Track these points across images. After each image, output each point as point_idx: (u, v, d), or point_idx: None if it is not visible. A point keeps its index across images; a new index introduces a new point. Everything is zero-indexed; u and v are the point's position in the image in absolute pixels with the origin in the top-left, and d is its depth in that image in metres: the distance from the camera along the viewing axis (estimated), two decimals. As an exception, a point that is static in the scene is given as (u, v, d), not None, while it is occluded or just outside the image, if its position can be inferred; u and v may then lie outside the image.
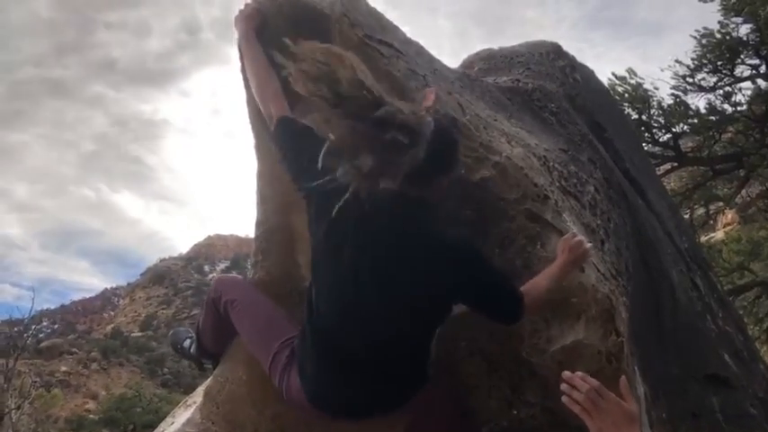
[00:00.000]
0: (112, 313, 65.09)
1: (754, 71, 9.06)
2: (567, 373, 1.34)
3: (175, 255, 76.71)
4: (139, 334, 49.89)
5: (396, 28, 2.23)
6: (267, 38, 1.97)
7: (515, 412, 1.95)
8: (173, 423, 2.42)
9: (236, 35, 2.00)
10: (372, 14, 2.12)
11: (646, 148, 8.52)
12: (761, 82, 9.12)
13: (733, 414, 2.76)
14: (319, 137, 1.76)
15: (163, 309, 59.19)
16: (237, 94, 2.12)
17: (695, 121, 9.12)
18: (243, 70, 2.01)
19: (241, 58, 2.00)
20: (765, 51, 8.75)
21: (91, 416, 28.00)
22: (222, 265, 66.79)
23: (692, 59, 9.01)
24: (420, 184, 1.53)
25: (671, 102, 9.20)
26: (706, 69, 9.04)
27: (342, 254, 1.58)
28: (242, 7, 2.01)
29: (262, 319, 1.95)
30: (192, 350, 2.29)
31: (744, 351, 3.43)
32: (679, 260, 3.32)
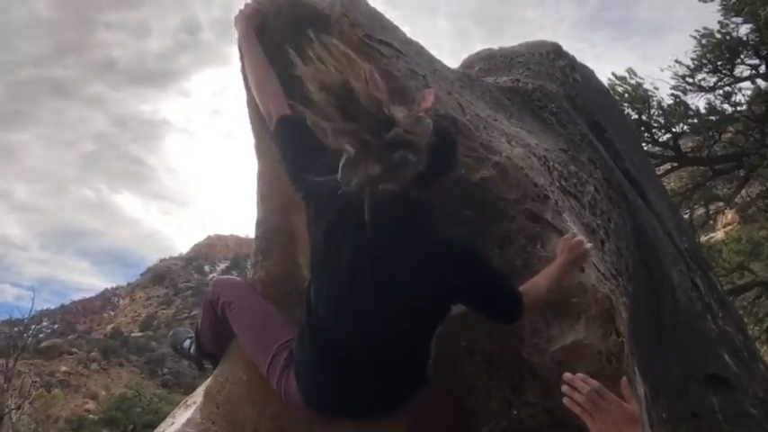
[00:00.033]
0: (112, 313, 65.06)
1: (753, 71, 9.06)
2: (567, 375, 1.34)
3: (175, 255, 76.80)
4: (139, 334, 49.88)
5: (396, 28, 2.23)
6: (267, 38, 1.97)
7: (515, 412, 1.95)
8: (173, 423, 2.42)
9: (236, 35, 2.00)
10: (372, 14, 2.12)
11: (646, 148, 8.52)
12: (761, 82, 9.14)
13: (733, 414, 2.76)
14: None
15: (163, 309, 59.19)
16: (238, 94, 2.13)
17: (695, 121, 9.12)
18: (243, 70, 2.01)
19: (241, 58, 2.00)
20: (765, 51, 8.75)
21: (91, 416, 27.99)
22: (222, 266, 66.83)
23: (692, 59, 9.02)
24: (420, 186, 1.53)
25: (671, 102, 9.21)
26: (706, 69, 9.04)
27: (341, 254, 1.58)
28: (242, 7, 2.01)
29: (259, 322, 1.95)
30: (191, 351, 2.30)
31: (744, 351, 3.43)
32: (679, 260, 3.32)
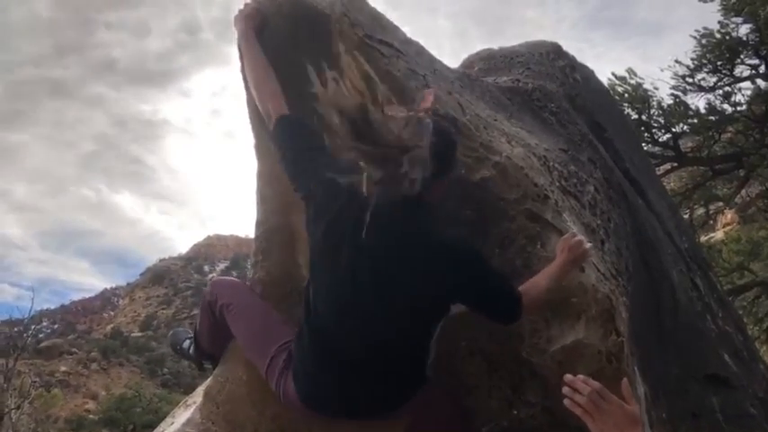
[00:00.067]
0: (112, 313, 65.04)
1: (753, 71, 9.06)
2: (569, 377, 1.34)
3: (175, 255, 76.79)
4: (139, 334, 49.88)
5: (396, 28, 2.23)
6: (267, 37, 1.97)
7: (515, 412, 1.95)
8: (172, 423, 2.42)
9: (235, 35, 2.00)
10: (372, 14, 2.11)
11: (645, 148, 8.51)
12: (760, 82, 9.13)
13: (733, 414, 2.76)
14: (319, 137, 1.77)
15: (162, 309, 59.18)
16: (237, 94, 2.13)
17: (695, 121, 9.11)
18: (243, 70, 2.01)
19: (241, 57, 2.00)
20: (765, 51, 8.74)
21: (91, 416, 27.99)
22: (222, 265, 66.84)
23: (692, 59, 9.01)
24: (420, 187, 1.53)
25: (671, 102, 9.20)
26: (706, 69, 9.04)
27: (340, 254, 1.58)
28: (241, 7, 2.00)
29: (258, 323, 1.94)
30: (190, 351, 2.29)
31: (743, 351, 3.42)
32: (679, 260, 3.31)
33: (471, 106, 2.22)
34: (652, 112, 9.10)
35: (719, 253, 10.22)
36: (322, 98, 1.41)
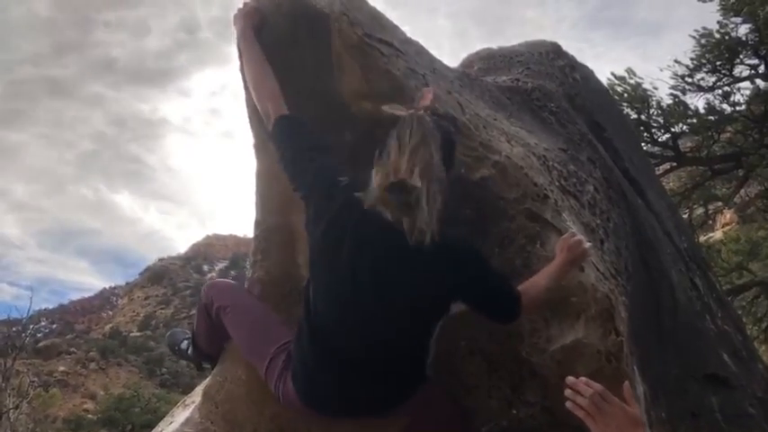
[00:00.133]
0: (111, 313, 64.95)
1: (752, 71, 9.06)
2: (570, 379, 1.34)
3: (174, 254, 76.69)
4: (138, 334, 49.82)
5: (395, 27, 2.23)
6: (266, 36, 1.96)
7: (515, 412, 1.95)
8: (171, 423, 2.42)
9: (235, 34, 1.99)
10: (372, 13, 2.11)
11: (645, 148, 8.51)
12: (760, 82, 9.12)
13: (732, 414, 2.76)
14: (318, 136, 1.76)
15: (161, 308, 59.13)
16: (237, 93, 2.12)
17: (694, 120, 9.11)
18: (242, 69, 2.01)
19: (240, 56, 2.00)
20: (764, 51, 8.74)
21: (89, 416, 27.96)
22: (221, 265, 66.78)
23: (691, 59, 9.00)
24: None
25: (670, 101, 9.20)
26: (705, 69, 9.03)
27: (340, 253, 1.58)
28: (241, 6, 2.00)
29: (256, 325, 1.94)
30: (189, 352, 2.29)
31: (743, 351, 3.42)
32: (678, 260, 3.31)
33: (471, 105, 2.21)
34: (651, 111, 9.10)
35: (718, 253, 10.23)
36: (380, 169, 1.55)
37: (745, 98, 9.30)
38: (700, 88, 9.17)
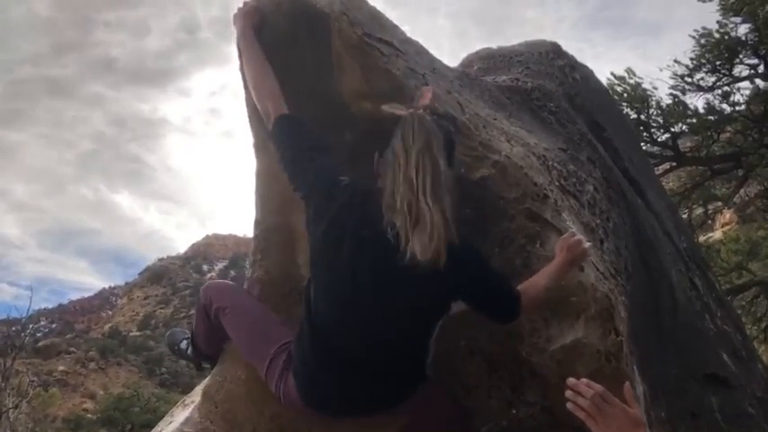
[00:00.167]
0: (110, 313, 64.93)
1: (752, 71, 9.06)
2: (571, 380, 1.34)
3: (174, 254, 76.79)
4: (137, 333, 49.84)
5: (395, 27, 2.23)
6: (266, 36, 1.96)
7: (515, 412, 1.95)
8: (171, 422, 2.42)
9: (235, 34, 1.99)
10: (372, 13, 2.11)
11: (644, 148, 8.51)
12: (759, 82, 9.12)
13: (732, 413, 2.76)
14: (318, 136, 1.76)
15: (161, 308, 59.15)
16: (237, 93, 2.12)
17: (694, 120, 9.11)
18: (242, 69, 2.01)
19: (240, 56, 1.99)
20: (764, 51, 8.74)
21: (89, 415, 27.97)
22: (221, 265, 66.81)
23: (691, 59, 9.00)
24: None
25: (669, 101, 9.20)
26: (705, 69, 9.03)
27: (340, 253, 1.58)
28: (241, 5, 2.00)
29: (255, 326, 1.93)
30: (188, 352, 2.29)
31: (742, 350, 3.43)
32: (678, 260, 3.32)
33: (470, 105, 2.21)
34: (651, 111, 9.11)
35: (718, 253, 10.23)
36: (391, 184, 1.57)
37: (745, 98, 9.32)
38: (699, 88, 9.18)
